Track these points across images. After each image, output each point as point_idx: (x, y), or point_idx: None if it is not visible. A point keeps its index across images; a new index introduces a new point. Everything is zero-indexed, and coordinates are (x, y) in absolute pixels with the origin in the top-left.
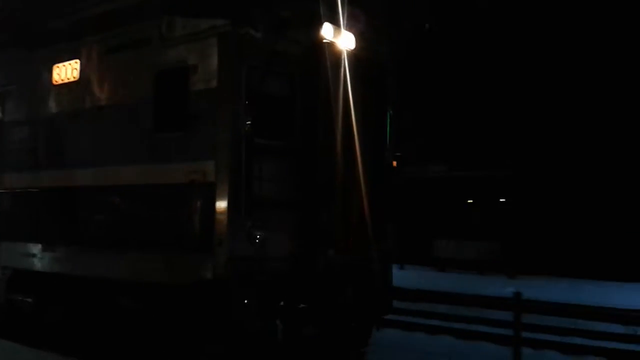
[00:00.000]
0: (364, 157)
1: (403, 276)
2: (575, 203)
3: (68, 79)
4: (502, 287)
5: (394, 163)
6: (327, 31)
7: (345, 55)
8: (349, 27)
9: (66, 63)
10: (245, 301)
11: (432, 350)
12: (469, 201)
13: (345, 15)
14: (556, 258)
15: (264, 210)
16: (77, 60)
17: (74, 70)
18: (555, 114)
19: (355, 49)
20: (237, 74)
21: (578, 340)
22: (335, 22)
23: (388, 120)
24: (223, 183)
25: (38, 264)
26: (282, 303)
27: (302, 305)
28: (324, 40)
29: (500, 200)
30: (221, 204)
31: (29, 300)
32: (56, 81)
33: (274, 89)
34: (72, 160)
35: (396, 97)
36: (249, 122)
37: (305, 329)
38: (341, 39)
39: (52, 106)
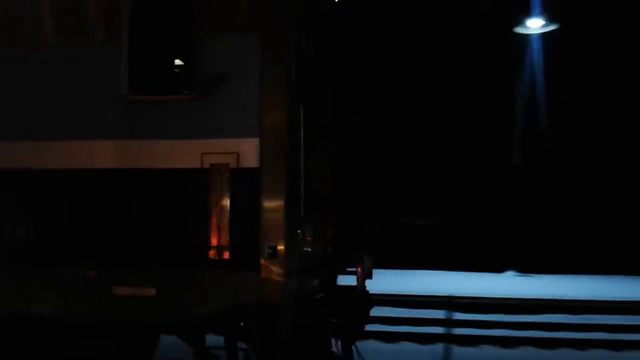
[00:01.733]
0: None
1: None
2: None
3: None
4: None
5: None
6: None
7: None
8: None
9: None
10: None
11: None
12: None
13: None
14: None
15: (308, 209)
16: None
17: None
18: None
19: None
20: (290, 17)
21: None
22: None
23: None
24: (275, 170)
25: None
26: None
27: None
28: None
29: None
30: (273, 201)
31: None
32: None
33: (310, 53)
34: None
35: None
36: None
37: None
38: None
39: None
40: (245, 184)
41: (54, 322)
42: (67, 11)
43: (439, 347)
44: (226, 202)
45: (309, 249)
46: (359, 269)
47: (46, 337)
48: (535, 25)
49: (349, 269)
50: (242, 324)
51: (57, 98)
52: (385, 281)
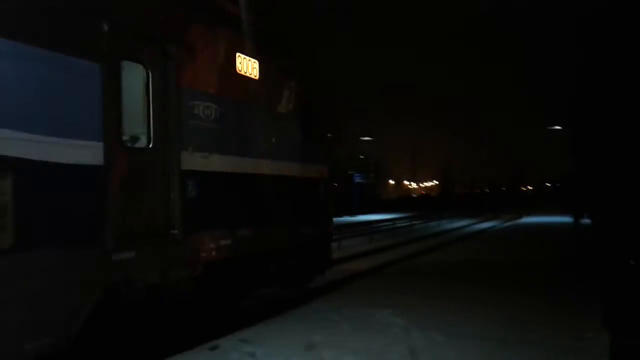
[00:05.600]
0: None
1: None
2: None
3: (249, 74)
4: None
5: None
6: None
7: None
8: None
9: (246, 57)
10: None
11: None
12: None
13: None
14: None
15: None
16: (256, 61)
17: (254, 69)
18: None
19: None
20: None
21: None
22: None
23: None
24: (329, 180)
25: None
26: None
27: None
28: None
29: None
30: (330, 192)
31: None
32: (239, 70)
33: None
34: (251, 149)
35: None
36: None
37: None
38: None
39: (236, 92)
40: (327, 186)
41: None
42: (282, 95)
43: None
44: (325, 193)
45: None
46: None
47: None
48: None
49: None
50: None
51: (282, 138)
52: None
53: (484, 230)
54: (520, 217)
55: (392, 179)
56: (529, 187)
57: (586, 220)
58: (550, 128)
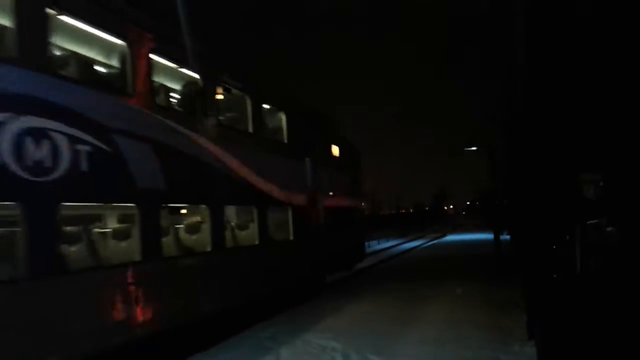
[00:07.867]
0: None
1: None
2: None
3: (335, 154)
4: None
5: None
6: None
7: None
8: None
9: (334, 145)
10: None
11: None
12: None
13: None
14: None
15: None
16: (337, 146)
17: (336, 150)
18: None
19: None
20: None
21: None
22: None
23: None
24: (361, 209)
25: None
26: None
27: None
28: None
29: None
30: (361, 216)
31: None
32: (333, 153)
33: None
34: (337, 191)
35: None
36: None
37: None
38: None
39: (332, 163)
40: (363, 210)
41: None
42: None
43: None
44: (363, 213)
45: None
46: None
47: None
48: None
49: None
50: None
51: (346, 185)
52: None
53: (409, 250)
54: (445, 235)
55: None
56: (451, 206)
57: (506, 236)
58: (467, 149)
